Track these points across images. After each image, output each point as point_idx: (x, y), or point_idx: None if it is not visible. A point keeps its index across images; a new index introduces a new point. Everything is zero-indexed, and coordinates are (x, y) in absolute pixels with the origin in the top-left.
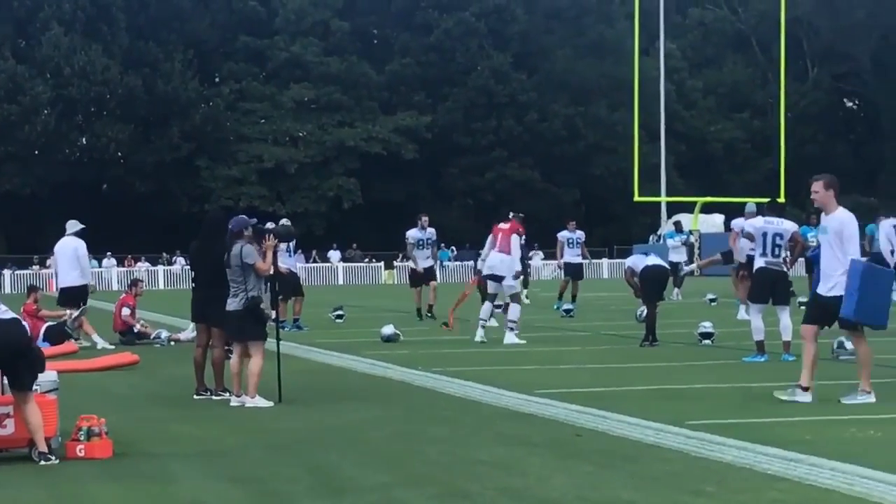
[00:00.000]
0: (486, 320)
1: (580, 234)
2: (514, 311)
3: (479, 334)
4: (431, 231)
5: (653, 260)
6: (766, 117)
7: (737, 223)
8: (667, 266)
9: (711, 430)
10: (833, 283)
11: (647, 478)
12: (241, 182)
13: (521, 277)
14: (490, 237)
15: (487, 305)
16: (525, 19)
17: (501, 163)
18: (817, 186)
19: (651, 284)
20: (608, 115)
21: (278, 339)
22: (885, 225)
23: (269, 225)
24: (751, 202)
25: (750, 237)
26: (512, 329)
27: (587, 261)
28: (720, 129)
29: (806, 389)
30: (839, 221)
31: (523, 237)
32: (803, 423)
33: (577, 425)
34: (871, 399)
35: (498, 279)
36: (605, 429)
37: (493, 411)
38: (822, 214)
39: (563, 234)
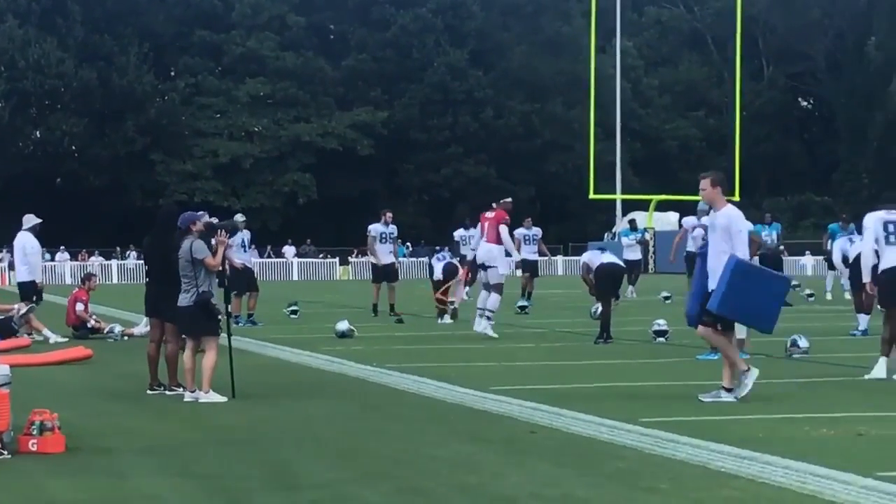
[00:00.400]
0: (484, 309)
1: (537, 231)
2: (494, 301)
3: (479, 323)
4: (394, 227)
5: (608, 257)
6: (722, 116)
7: (687, 221)
8: (621, 264)
9: (665, 427)
10: None
11: (602, 475)
12: (196, 177)
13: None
14: (479, 226)
15: (483, 294)
16: (482, 16)
17: (457, 159)
18: (704, 184)
19: (605, 282)
20: (564, 112)
21: (230, 335)
22: (843, 240)
23: (214, 220)
24: (703, 201)
25: (704, 228)
26: (489, 318)
27: (546, 258)
28: (675, 128)
29: (729, 390)
30: (727, 217)
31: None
32: (756, 422)
33: (532, 422)
34: (731, 398)
35: (486, 268)
36: (559, 426)
37: (448, 408)
38: (711, 210)
39: (519, 232)
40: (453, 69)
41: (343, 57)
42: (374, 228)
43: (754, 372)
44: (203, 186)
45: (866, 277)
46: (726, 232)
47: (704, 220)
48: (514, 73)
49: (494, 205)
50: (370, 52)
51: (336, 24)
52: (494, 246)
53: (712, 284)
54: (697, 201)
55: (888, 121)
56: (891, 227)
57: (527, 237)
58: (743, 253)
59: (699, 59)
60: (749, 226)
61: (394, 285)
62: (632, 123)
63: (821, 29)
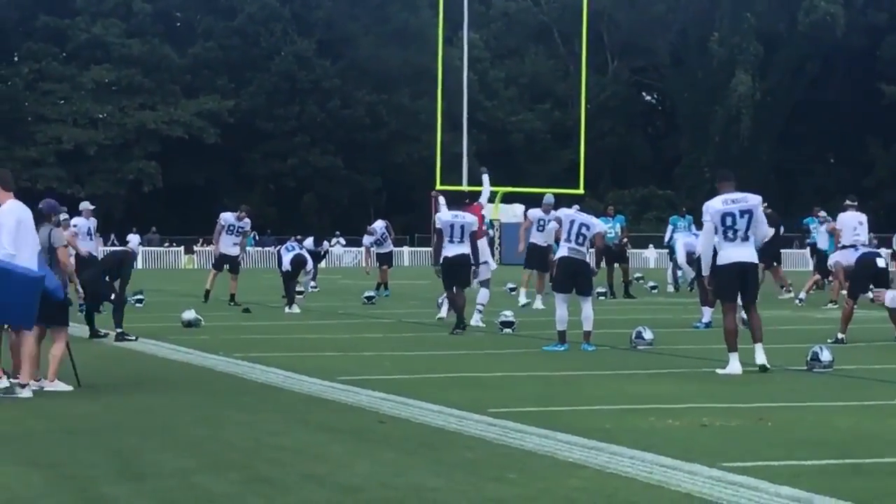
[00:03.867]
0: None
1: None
2: (483, 295)
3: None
4: (247, 221)
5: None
6: (567, 109)
7: (533, 213)
8: (468, 254)
9: (513, 417)
10: None
11: (450, 465)
12: (39, 163)
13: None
14: None
15: (484, 292)
16: (329, 5)
17: (304, 149)
18: None
19: (453, 272)
20: (411, 103)
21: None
22: (687, 238)
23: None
24: (549, 193)
25: (558, 221)
26: (480, 311)
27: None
28: (521, 120)
29: (24, 386)
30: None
31: None
32: (603, 412)
33: (380, 412)
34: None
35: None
36: (407, 416)
37: (296, 397)
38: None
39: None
40: (300, 58)
41: (189, 44)
42: (226, 218)
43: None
44: (46, 173)
45: (705, 271)
46: None
47: (559, 212)
48: (362, 63)
49: (467, 200)
50: (217, 40)
51: (182, 12)
52: (481, 241)
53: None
54: (543, 193)
55: (729, 115)
56: (728, 221)
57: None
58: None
59: (545, 52)
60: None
61: (235, 276)
62: (478, 115)
63: (664, 24)
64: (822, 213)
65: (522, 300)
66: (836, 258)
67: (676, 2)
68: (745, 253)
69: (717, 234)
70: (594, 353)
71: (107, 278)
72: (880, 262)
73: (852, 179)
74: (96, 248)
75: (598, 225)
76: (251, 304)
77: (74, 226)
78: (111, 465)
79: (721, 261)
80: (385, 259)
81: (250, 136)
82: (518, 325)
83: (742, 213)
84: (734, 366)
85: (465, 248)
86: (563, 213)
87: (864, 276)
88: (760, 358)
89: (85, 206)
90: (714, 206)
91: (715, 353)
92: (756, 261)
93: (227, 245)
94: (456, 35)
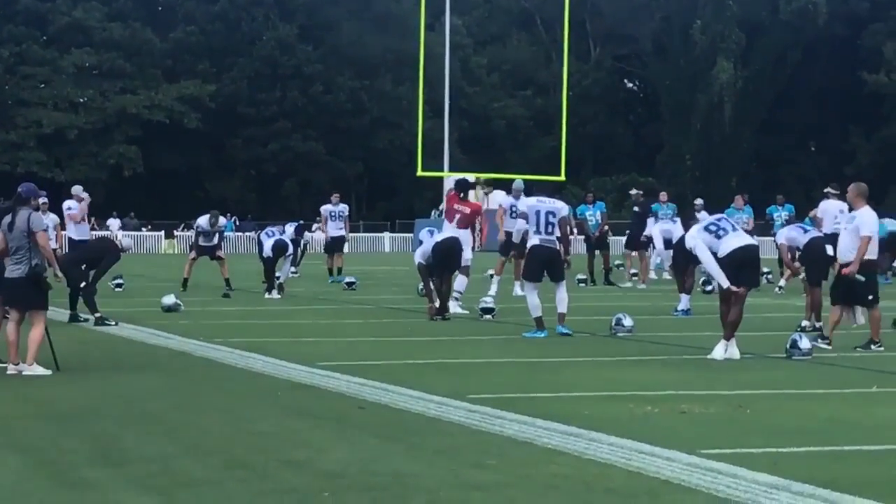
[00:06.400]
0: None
1: (343, 208)
2: (461, 282)
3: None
4: (223, 222)
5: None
6: (549, 96)
7: (504, 200)
8: (456, 237)
9: (493, 404)
10: None
11: (430, 451)
12: (20, 147)
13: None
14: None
15: (462, 279)
16: None
17: (285, 134)
18: None
19: (443, 256)
20: (393, 89)
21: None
22: (664, 223)
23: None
24: (518, 179)
25: (524, 217)
26: (457, 298)
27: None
28: (503, 107)
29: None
30: None
31: None
32: (583, 399)
33: (360, 398)
34: None
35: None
36: (387, 402)
37: (276, 383)
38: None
39: (325, 208)
40: (282, 43)
41: (171, 29)
42: (202, 225)
43: None
44: (26, 157)
45: (724, 283)
46: None
47: (522, 205)
48: (344, 49)
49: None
50: (198, 25)
51: None
52: (464, 231)
53: None
54: (524, 180)
55: (711, 103)
56: (713, 227)
57: (333, 213)
58: None
59: (528, 39)
60: None
61: (221, 262)
62: (460, 101)
63: (647, 12)
64: (780, 197)
65: (517, 291)
66: (784, 236)
67: None
68: (740, 241)
69: (711, 237)
70: (574, 340)
71: (83, 266)
72: (830, 251)
73: (834, 168)
74: (89, 232)
75: (563, 209)
76: (231, 289)
77: (69, 209)
78: (90, 450)
79: (721, 253)
80: (336, 242)
81: (231, 121)
82: (498, 312)
83: (720, 219)
84: (731, 350)
85: (456, 233)
86: (527, 205)
87: (818, 261)
88: (717, 353)
89: (77, 190)
90: (696, 229)
91: (694, 339)
92: (753, 243)
93: (205, 241)
94: (438, 21)
